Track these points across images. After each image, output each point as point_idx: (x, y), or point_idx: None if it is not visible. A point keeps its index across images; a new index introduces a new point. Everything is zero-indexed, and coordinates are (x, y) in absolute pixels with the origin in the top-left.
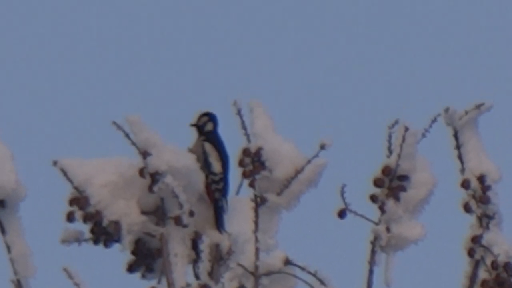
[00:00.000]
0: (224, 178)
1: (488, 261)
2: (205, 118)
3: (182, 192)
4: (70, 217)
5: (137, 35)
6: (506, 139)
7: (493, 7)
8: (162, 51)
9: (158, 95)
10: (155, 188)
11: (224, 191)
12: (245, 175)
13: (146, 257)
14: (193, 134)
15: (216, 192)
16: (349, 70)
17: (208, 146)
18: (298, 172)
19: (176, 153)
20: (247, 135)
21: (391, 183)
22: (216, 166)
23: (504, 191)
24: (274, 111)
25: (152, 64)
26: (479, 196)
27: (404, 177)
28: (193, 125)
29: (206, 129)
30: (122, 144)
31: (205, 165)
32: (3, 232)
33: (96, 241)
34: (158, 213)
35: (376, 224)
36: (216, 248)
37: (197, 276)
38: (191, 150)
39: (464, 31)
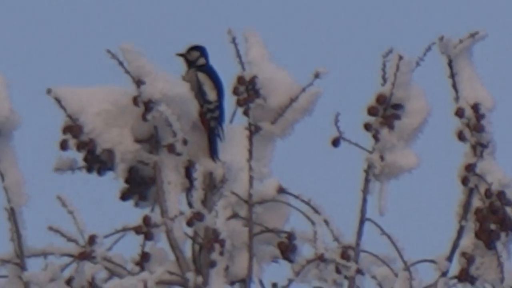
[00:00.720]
0: (219, 106)
1: (482, 190)
2: (196, 53)
3: (176, 120)
4: (63, 145)
5: None
6: (500, 67)
7: None
8: None
9: (152, 25)
10: (149, 116)
11: (220, 119)
12: (239, 103)
13: (139, 185)
14: (183, 66)
15: (211, 121)
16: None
17: (201, 76)
18: (292, 100)
19: (170, 82)
20: (241, 63)
21: (385, 111)
22: (211, 94)
23: (497, 120)
24: (269, 39)
25: None
26: (473, 124)
27: (398, 106)
28: (181, 55)
29: (198, 63)
30: (116, 72)
31: (200, 94)
32: None
33: (89, 169)
34: (151, 141)
35: (370, 152)
36: (209, 176)
37: (190, 204)
38: (184, 80)
39: None
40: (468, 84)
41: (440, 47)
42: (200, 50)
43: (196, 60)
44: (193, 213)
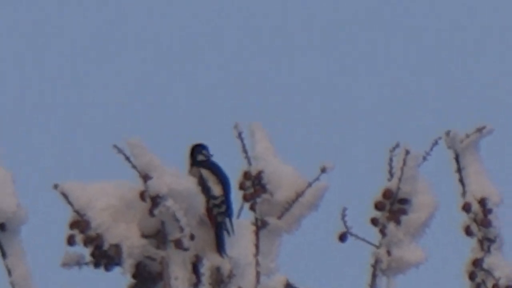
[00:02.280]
0: (226, 201)
1: (489, 285)
2: (203, 151)
3: (183, 215)
4: (70, 241)
5: (138, 57)
6: (507, 162)
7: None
8: (162, 76)
9: (159, 120)
10: (156, 212)
11: (227, 213)
12: (246, 198)
13: (147, 281)
14: (187, 164)
15: (218, 216)
16: (349, 94)
17: (204, 172)
18: (299, 195)
19: (177, 177)
20: (248, 158)
21: (392, 206)
22: (216, 189)
23: (505, 215)
24: (275, 134)
25: (154, 89)
26: (480, 219)
27: (405, 201)
28: (190, 154)
29: (200, 159)
30: (123, 167)
31: (205, 190)
32: (4, 255)
33: (96, 265)
34: (158, 237)
35: (377, 247)
36: (217, 271)
37: None
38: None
39: (465, 54)
40: (475, 178)
41: (447, 142)
42: (200, 147)
43: (198, 157)
44: None
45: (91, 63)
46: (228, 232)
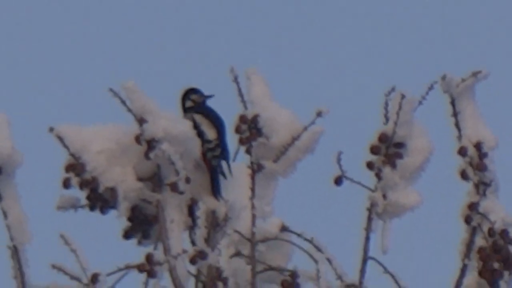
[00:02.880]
0: (221, 144)
1: (485, 228)
2: (191, 96)
3: (179, 159)
4: (66, 184)
5: (132, 4)
6: (503, 106)
7: None
8: (158, 20)
9: (155, 64)
10: (152, 155)
11: (223, 156)
12: (241, 142)
13: (142, 224)
14: (179, 109)
15: (212, 159)
16: (346, 37)
17: (197, 117)
18: (294, 139)
19: (173, 120)
20: (243, 102)
21: (388, 150)
22: (210, 133)
23: (500, 158)
24: (271, 78)
25: (150, 32)
26: (476, 163)
27: (400, 144)
28: (181, 100)
29: (191, 104)
30: (119, 111)
31: (199, 135)
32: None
33: (92, 208)
34: (154, 180)
35: (373, 191)
36: (212, 214)
37: (193, 243)
38: None
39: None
40: (470, 123)
41: (443, 86)
42: (193, 92)
43: (190, 101)
44: (196, 251)
45: (86, 7)
46: (224, 175)
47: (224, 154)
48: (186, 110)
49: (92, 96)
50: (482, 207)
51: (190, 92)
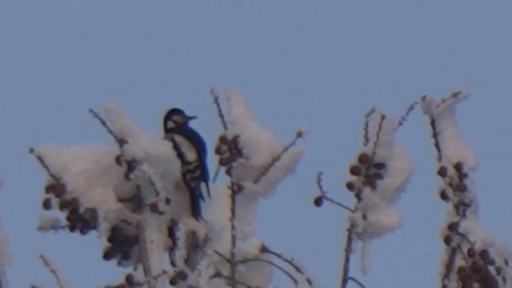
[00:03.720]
0: (200, 165)
1: (465, 249)
2: (173, 116)
3: (159, 179)
4: (46, 204)
5: (114, 24)
6: (483, 127)
7: None
8: (139, 41)
9: (136, 84)
10: (132, 176)
11: (203, 178)
12: (222, 162)
13: (122, 244)
14: (161, 130)
15: (192, 181)
16: (326, 58)
17: (178, 138)
18: (275, 159)
19: (153, 141)
20: (224, 122)
21: (368, 171)
22: (190, 155)
23: (480, 179)
24: (251, 99)
25: (131, 52)
26: (456, 183)
27: (380, 165)
28: (163, 121)
29: (173, 125)
30: (99, 132)
31: (179, 156)
32: None
33: (72, 228)
34: (134, 201)
35: (353, 211)
36: (192, 235)
37: (173, 263)
38: None
39: (441, 20)
40: (450, 143)
41: (423, 107)
42: (175, 113)
43: (171, 121)
44: (176, 272)
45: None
46: (202, 198)
47: (204, 175)
48: (167, 130)
49: (73, 117)
50: (462, 228)
51: (172, 113)
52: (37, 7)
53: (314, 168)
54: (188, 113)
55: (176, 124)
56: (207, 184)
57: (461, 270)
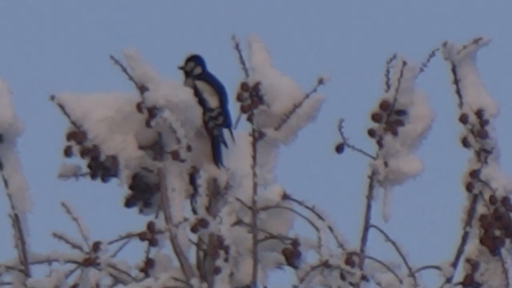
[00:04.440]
0: (223, 111)
1: (486, 196)
2: (191, 64)
3: (180, 126)
4: (67, 152)
5: None
6: (504, 73)
7: None
8: None
9: (156, 30)
10: (153, 123)
11: (225, 124)
12: (243, 109)
13: (143, 192)
14: (182, 77)
15: (214, 128)
16: (347, 4)
17: (200, 84)
18: (296, 106)
19: (174, 88)
20: (245, 69)
21: (389, 117)
22: (212, 101)
23: (501, 125)
24: (272, 45)
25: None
26: (477, 130)
27: (402, 112)
28: (181, 68)
29: (195, 72)
30: (120, 78)
31: (201, 102)
32: (1, 166)
33: (93, 176)
34: (155, 148)
35: (374, 158)
36: (213, 182)
37: (194, 211)
38: None
39: None
40: (471, 90)
41: (444, 53)
42: (195, 59)
43: (192, 70)
44: (198, 219)
45: None
46: (225, 144)
47: (226, 122)
48: (188, 76)
49: (93, 63)
50: (483, 175)
51: (193, 59)
52: None
53: (335, 115)
54: (208, 58)
55: (197, 70)
56: (230, 131)
57: (482, 217)
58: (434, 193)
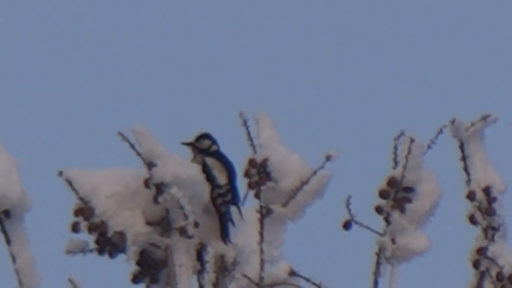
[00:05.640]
0: (231, 188)
1: (493, 273)
2: (207, 142)
3: (187, 203)
4: (75, 228)
5: (143, 45)
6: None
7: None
8: (168, 63)
9: (164, 107)
10: (160, 199)
11: (234, 201)
12: (251, 186)
13: (151, 268)
14: (190, 152)
15: (222, 205)
16: (355, 82)
17: (209, 160)
18: (303, 183)
19: (182, 164)
20: (253, 146)
21: (397, 194)
22: (221, 178)
23: (509, 203)
24: (280, 122)
25: (159, 75)
26: (484, 207)
27: (409, 189)
28: (190, 144)
29: (211, 150)
30: (128, 155)
31: (209, 179)
32: (8, 242)
33: (101, 252)
34: (163, 224)
35: (381, 235)
36: (221, 259)
37: (202, 287)
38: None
39: (471, 42)
40: (479, 167)
41: (452, 130)
42: (210, 137)
43: (209, 147)
44: None
45: (95, 50)
46: (232, 221)
47: (234, 199)
48: (197, 153)
49: (101, 140)
50: (490, 252)
51: (204, 136)
52: (72, 27)
53: (343, 192)
54: (216, 135)
55: (213, 148)
56: (238, 208)
57: None
58: (441, 270)
